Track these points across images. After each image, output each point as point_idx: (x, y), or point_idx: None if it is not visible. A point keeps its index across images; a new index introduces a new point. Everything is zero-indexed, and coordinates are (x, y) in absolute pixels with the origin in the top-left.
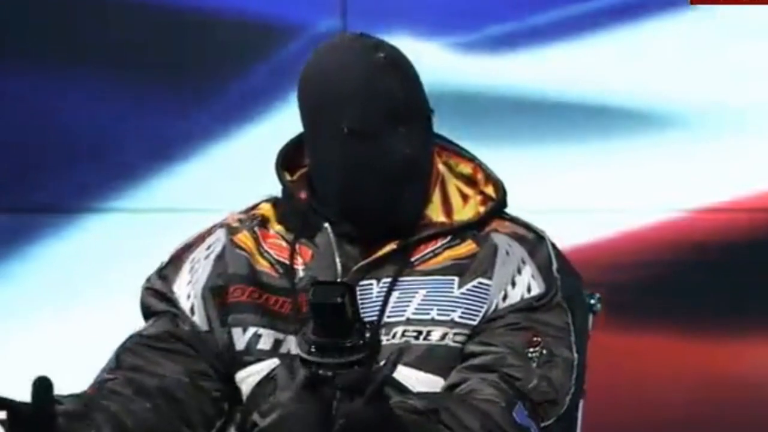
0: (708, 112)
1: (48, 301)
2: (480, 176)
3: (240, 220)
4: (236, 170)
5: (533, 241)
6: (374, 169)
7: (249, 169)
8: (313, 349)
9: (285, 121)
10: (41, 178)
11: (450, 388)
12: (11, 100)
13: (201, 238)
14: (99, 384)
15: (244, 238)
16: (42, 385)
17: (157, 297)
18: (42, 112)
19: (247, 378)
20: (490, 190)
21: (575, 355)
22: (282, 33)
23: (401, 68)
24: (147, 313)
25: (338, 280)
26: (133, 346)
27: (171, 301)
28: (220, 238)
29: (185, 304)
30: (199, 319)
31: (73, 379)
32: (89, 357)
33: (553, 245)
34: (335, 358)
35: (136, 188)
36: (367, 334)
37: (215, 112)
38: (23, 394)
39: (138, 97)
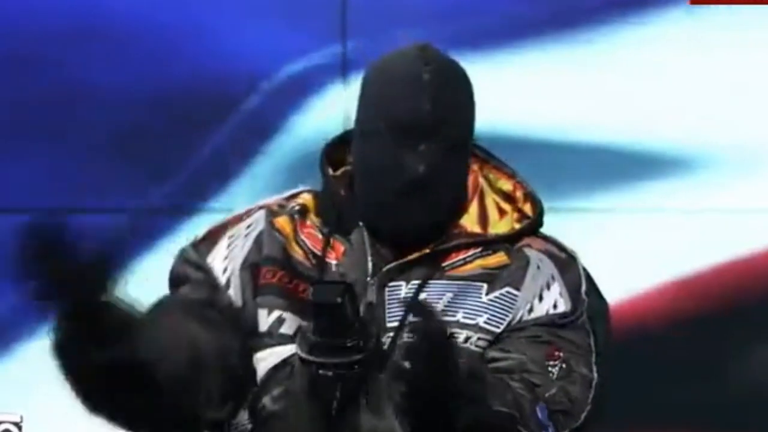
0: None
1: None
2: (519, 194)
3: (280, 205)
4: None
5: (565, 260)
6: (388, 177)
7: None
8: (313, 349)
9: None
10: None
11: None
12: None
13: (239, 218)
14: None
15: (283, 222)
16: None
17: (193, 267)
18: None
19: (265, 360)
20: (527, 208)
21: (594, 375)
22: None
23: (442, 86)
24: (179, 280)
25: (368, 278)
26: (171, 307)
27: (206, 271)
28: (260, 218)
29: (221, 278)
30: (234, 293)
31: None
32: None
33: (584, 268)
34: (335, 357)
35: None
36: (369, 334)
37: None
38: None
39: None
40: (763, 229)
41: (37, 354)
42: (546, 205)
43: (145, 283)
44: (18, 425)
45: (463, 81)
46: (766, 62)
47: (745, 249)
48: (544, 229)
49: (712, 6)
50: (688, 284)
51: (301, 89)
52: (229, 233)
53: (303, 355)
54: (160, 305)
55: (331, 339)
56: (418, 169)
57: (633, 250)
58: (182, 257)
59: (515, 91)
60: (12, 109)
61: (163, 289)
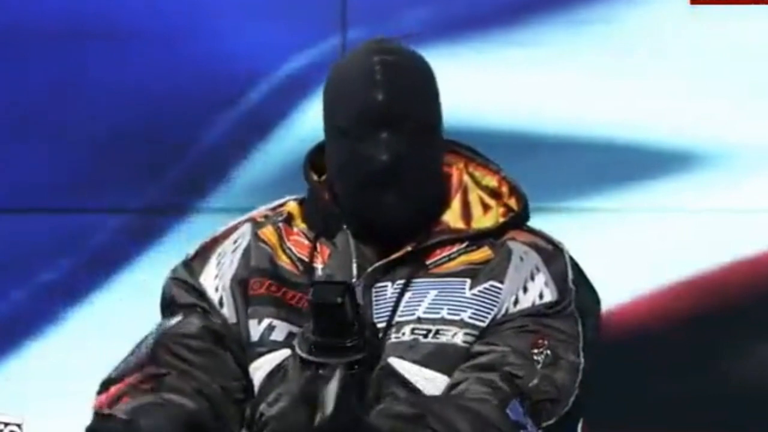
0: None
1: None
2: (505, 189)
3: (266, 216)
4: None
5: (551, 251)
6: (351, 171)
7: None
8: (313, 349)
9: None
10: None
11: (451, 387)
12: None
13: (228, 232)
14: (151, 377)
15: (268, 233)
16: None
17: (184, 288)
18: None
19: (260, 369)
20: (513, 203)
21: (582, 360)
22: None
23: (398, 75)
24: (171, 303)
25: (353, 280)
26: (169, 344)
27: (199, 292)
28: (246, 232)
29: (214, 297)
30: (228, 311)
31: None
32: None
33: (571, 258)
34: (335, 358)
35: None
36: (368, 334)
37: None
38: None
39: None
40: (766, 229)
41: (37, 354)
42: (548, 205)
43: (143, 281)
44: (20, 426)
45: (419, 70)
46: None
47: (750, 249)
48: (547, 229)
49: (713, 6)
50: (692, 284)
51: (301, 86)
52: (218, 250)
53: (303, 355)
54: (155, 349)
55: (331, 339)
56: (381, 159)
57: (637, 250)
58: (173, 278)
59: (516, 90)
60: (12, 108)
61: (159, 288)
